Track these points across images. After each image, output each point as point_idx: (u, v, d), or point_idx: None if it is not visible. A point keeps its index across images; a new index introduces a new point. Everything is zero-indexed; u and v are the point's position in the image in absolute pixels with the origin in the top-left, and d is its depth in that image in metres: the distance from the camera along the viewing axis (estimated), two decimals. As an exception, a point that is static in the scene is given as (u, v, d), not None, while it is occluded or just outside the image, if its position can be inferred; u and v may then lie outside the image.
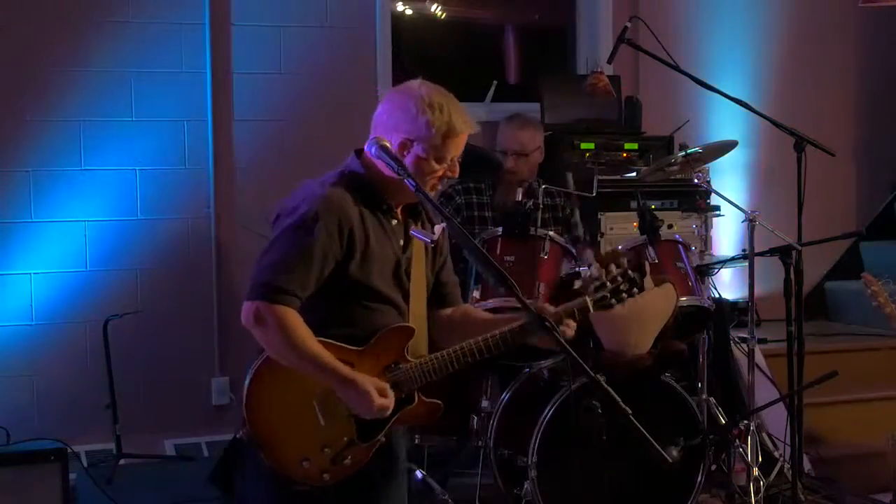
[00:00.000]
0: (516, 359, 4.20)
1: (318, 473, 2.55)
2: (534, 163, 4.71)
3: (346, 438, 2.56)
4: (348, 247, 2.54)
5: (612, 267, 2.65)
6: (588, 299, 2.64)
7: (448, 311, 2.84)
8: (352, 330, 2.58)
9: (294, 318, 2.50)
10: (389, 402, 2.53)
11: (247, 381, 2.55)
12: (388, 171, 2.58)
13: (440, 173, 2.64)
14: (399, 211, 2.69)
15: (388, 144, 2.67)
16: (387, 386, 2.54)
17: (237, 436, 2.57)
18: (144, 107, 5.07)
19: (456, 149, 2.63)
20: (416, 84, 2.65)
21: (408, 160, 2.59)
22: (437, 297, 2.83)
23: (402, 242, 2.68)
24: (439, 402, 2.66)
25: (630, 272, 2.65)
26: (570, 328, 2.64)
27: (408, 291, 2.67)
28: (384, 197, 2.64)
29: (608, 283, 2.65)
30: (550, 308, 2.65)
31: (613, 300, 2.66)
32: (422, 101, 2.58)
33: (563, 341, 2.45)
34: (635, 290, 2.66)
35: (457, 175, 2.67)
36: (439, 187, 2.75)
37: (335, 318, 2.58)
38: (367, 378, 2.52)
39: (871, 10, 6.33)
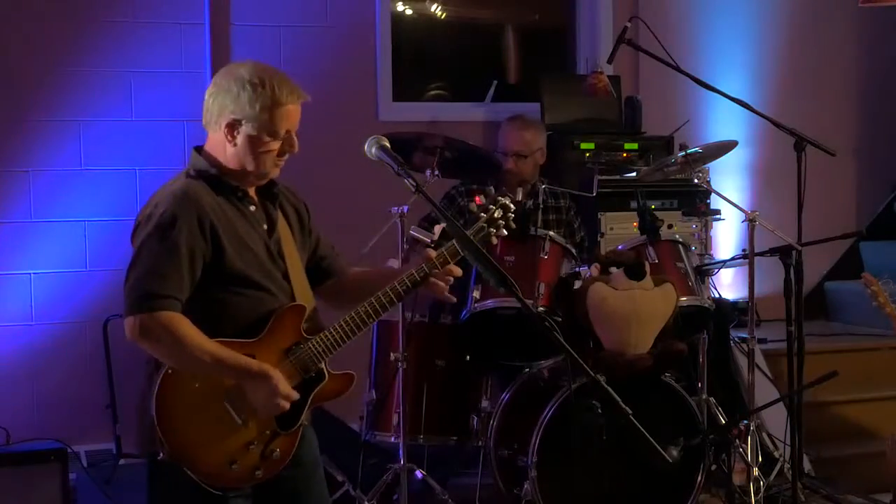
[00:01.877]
0: (516, 359, 4.21)
1: (249, 472, 2.52)
2: (535, 164, 4.71)
3: (268, 431, 2.53)
4: (213, 240, 2.50)
5: (482, 197, 2.76)
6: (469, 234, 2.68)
7: (334, 280, 2.82)
8: (242, 323, 2.53)
9: (181, 321, 2.45)
10: (292, 393, 2.51)
11: (152, 401, 2.46)
12: (231, 162, 2.59)
13: (277, 149, 2.61)
14: (254, 196, 2.66)
15: (387, 144, 2.68)
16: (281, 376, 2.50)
17: (159, 458, 2.48)
18: (144, 107, 5.06)
19: (287, 121, 2.60)
20: (237, 64, 2.66)
21: (239, 140, 2.58)
22: (321, 271, 2.81)
23: (265, 227, 2.65)
24: (351, 372, 2.65)
25: (500, 198, 2.74)
26: (455, 270, 2.69)
27: (287, 273, 2.64)
28: (236, 185, 2.62)
29: (482, 215, 2.72)
30: (433, 252, 2.68)
31: (492, 229, 2.73)
32: (242, 80, 2.57)
33: (563, 342, 2.45)
34: (510, 214, 2.74)
35: (296, 150, 2.65)
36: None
37: (222, 315, 2.53)
38: (273, 368, 2.49)
39: (871, 9, 6.33)
